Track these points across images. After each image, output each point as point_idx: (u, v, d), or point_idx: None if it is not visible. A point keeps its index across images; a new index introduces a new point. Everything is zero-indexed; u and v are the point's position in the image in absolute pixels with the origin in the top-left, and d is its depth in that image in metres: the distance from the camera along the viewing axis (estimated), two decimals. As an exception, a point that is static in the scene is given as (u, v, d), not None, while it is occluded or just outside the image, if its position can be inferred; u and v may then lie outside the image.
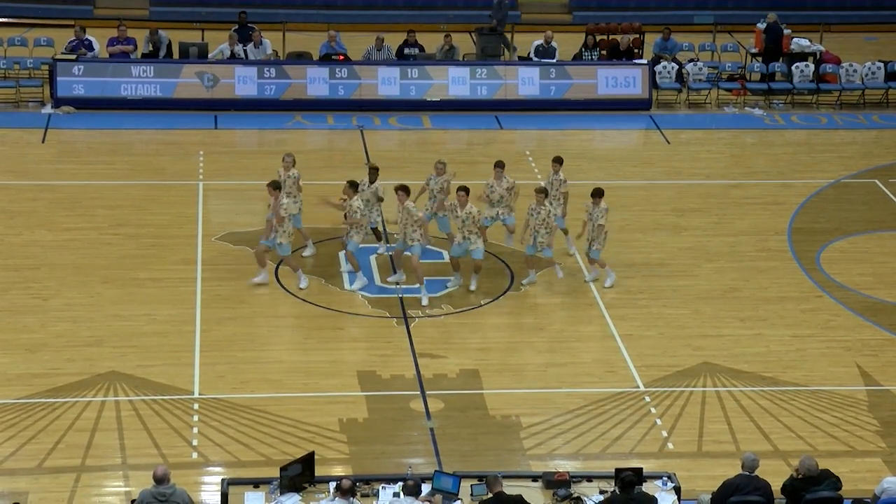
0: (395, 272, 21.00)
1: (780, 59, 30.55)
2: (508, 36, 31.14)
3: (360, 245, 20.66)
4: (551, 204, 20.80)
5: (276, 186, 20.14)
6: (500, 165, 21.38)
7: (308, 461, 14.40)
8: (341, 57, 29.08)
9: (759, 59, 30.63)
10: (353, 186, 20.27)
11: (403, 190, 20.12)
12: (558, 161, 21.47)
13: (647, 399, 17.92)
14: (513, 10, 34.66)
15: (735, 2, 35.62)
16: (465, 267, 20.77)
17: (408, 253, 20.38)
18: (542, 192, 20.48)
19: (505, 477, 14.14)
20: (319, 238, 21.83)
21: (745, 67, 30.76)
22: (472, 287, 20.66)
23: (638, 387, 18.23)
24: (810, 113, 29.70)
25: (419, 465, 16.00)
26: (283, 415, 17.20)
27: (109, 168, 25.07)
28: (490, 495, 13.80)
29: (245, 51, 29.01)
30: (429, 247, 21.62)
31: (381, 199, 21.17)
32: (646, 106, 29.26)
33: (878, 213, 24.34)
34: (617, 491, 14.02)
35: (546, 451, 16.68)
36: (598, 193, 20.50)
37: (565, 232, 21.65)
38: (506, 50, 30.54)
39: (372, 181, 21.09)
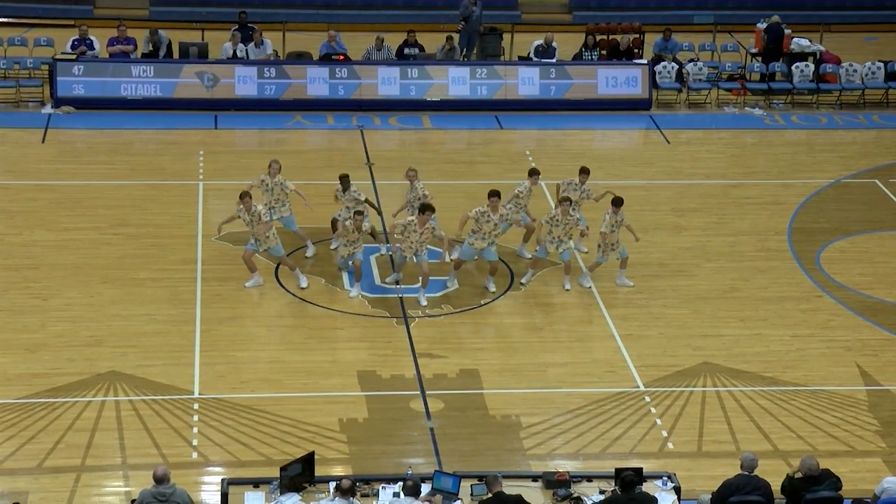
0: (393, 272, 20.98)
1: (780, 59, 30.55)
2: (508, 36, 31.14)
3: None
4: (577, 212, 21.02)
5: (246, 196, 20.03)
6: (535, 173, 21.33)
7: (308, 461, 14.41)
8: (341, 57, 29.08)
9: (759, 59, 30.64)
10: (360, 213, 20.16)
11: (431, 210, 20.06)
12: (587, 171, 21.48)
13: (647, 399, 17.92)
14: (513, 10, 34.74)
15: (735, 2, 35.64)
16: (466, 267, 20.81)
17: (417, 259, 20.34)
18: (567, 202, 20.41)
19: (505, 477, 14.14)
20: (320, 238, 21.82)
21: (745, 67, 30.77)
22: (493, 287, 20.66)
23: (638, 387, 18.23)
24: (810, 113, 29.70)
25: (419, 465, 16.01)
26: (283, 415, 17.21)
27: (109, 168, 25.07)
28: (490, 495, 13.80)
29: (246, 50, 29.02)
30: (429, 247, 21.69)
31: (365, 202, 21.03)
32: (646, 106, 29.27)
33: (878, 213, 24.34)
34: (618, 491, 14.03)
35: (546, 451, 16.69)
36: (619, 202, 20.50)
37: (582, 234, 21.66)
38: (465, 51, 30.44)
39: (346, 189, 21.01)
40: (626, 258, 20.83)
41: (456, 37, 30.10)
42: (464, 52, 30.19)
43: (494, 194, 20.18)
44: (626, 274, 20.94)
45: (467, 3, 30.31)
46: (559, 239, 20.40)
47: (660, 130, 28.27)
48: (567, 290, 20.74)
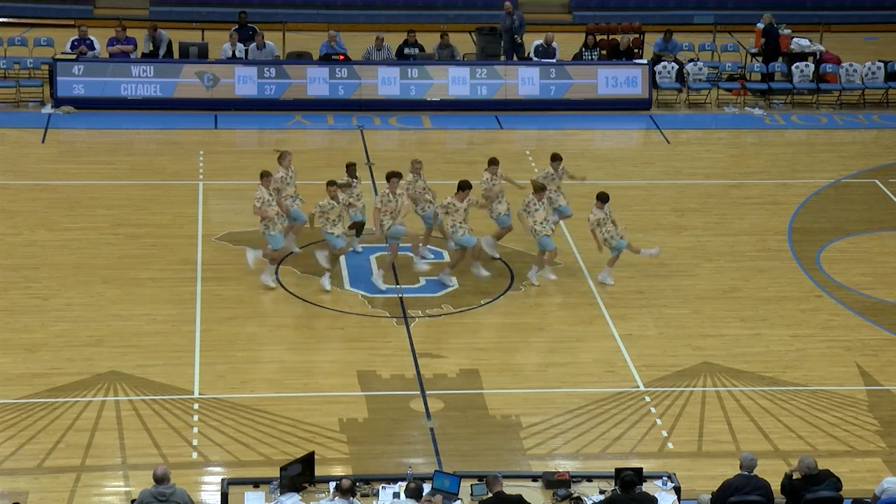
0: (396, 282, 20.94)
1: (780, 59, 30.56)
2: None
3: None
4: (562, 197, 21.32)
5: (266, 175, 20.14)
6: (494, 163, 21.38)
7: (308, 461, 14.41)
8: (341, 57, 29.08)
9: (759, 59, 30.65)
10: (333, 182, 20.27)
11: (398, 176, 20.28)
12: (559, 158, 21.54)
13: (647, 399, 17.92)
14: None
15: (735, 2, 35.65)
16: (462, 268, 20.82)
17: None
18: (543, 189, 20.49)
19: (505, 477, 14.14)
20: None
21: (745, 67, 30.78)
22: (486, 273, 20.74)
23: (638, 387, 18.23)
24: (810, 113, 29.70)
25: (419, 465, 16.00)
26: (283, 415, 17.21)
27: (109, 168, 25.08)
28: (490, 495, 13.80)
29: (246, 51, 29.02)
30: (429, 247, 21.70)
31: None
32: (646, 106, 29.27)
33: (878, 213, 24.34)
34: (618, 491, 14.03)
35: (546, 451, 16.69)
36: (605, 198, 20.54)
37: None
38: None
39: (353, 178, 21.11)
40: (617, 257, 20.84)
41: (455, 36, 30.12)
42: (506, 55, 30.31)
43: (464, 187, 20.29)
44: (611, 272, 20.94)
45: (505, 15, 30.29)
46: (534, 226, 20.35)
47: (660, 130, 28.27)
48: (552, 279, 20.74)
